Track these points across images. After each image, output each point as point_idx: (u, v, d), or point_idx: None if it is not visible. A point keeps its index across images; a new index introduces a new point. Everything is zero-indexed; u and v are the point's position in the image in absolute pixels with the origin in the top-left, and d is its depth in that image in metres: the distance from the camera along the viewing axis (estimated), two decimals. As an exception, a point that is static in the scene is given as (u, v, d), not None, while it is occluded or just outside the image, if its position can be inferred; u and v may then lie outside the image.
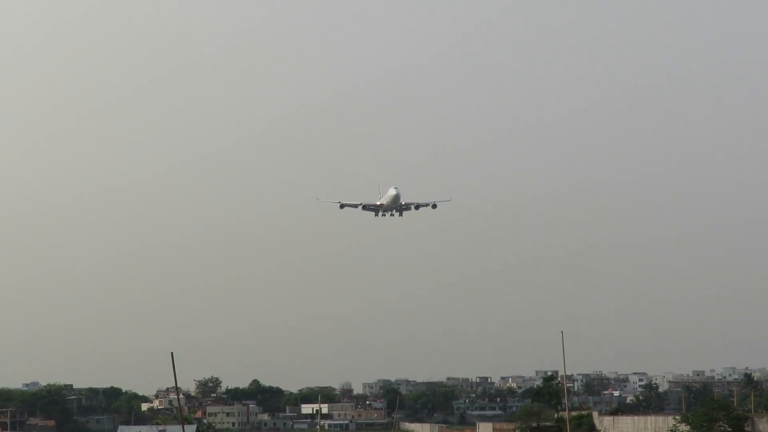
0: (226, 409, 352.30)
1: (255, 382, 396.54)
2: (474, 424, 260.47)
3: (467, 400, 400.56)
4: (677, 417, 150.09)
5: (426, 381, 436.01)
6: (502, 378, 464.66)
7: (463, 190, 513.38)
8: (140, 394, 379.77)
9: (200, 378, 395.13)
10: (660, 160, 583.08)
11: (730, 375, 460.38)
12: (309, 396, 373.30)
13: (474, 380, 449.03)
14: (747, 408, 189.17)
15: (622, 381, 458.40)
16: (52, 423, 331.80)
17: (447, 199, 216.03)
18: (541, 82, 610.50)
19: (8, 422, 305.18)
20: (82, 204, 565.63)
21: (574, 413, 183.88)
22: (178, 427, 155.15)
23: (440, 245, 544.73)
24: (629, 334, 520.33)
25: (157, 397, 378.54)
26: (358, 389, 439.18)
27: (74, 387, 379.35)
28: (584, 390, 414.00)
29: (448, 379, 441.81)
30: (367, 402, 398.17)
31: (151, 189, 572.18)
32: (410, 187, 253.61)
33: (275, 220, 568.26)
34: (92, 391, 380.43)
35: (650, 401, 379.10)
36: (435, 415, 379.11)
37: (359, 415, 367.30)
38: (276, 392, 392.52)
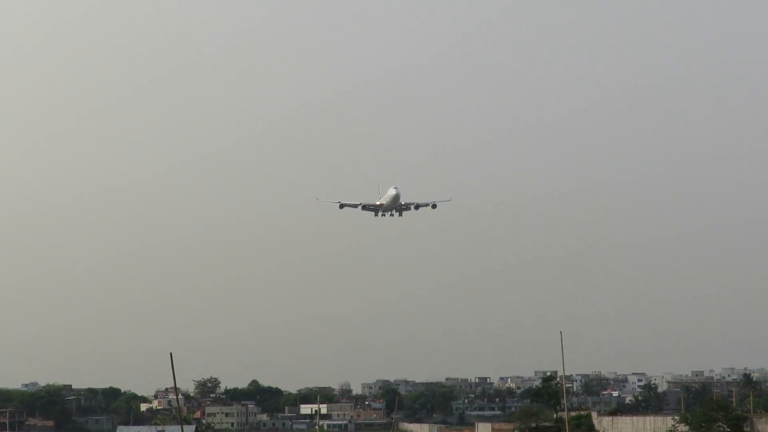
0: (225, 409, 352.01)
1: (254, 383, 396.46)
2: (473, 425, 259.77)
3: (466, 401, 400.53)
4: (676, 417, 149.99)
5: (425, 381, 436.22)
6: (501, 378, 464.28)
7: (463, 190, 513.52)
8: (139, 394, 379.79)
9: (199, 378, 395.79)
10: (660, 160, 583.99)
11: (729, 375, 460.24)
12: (308, 396, 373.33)
13: (473, 380, 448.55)
14: (746, 408, 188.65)
15: (621, 381, 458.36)
16: (51, 423, 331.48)
17: (447, 199, 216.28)
18: (541, 82, 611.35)
19: (7, 422, 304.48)
20: (82, 204, 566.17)
21: (573, 413, 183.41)
22: (177, 428, 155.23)
23: (440, 245, 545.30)
24: (628, 334, 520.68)
25: (156, 397, 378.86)
26: (357, 389, 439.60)
27: (73, 387, 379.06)
28: (583, 390, 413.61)
29: (447, 379, 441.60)
30: (366, 402, 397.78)
31: (151, 189, 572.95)
32: (410, 187, 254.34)
33: (275, 220, 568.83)
34: (91, 392, 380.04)
35: (649, 401, 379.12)
36: (434, 415, 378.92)
37: (358, 416, 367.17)
38: (275, 392, 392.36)
